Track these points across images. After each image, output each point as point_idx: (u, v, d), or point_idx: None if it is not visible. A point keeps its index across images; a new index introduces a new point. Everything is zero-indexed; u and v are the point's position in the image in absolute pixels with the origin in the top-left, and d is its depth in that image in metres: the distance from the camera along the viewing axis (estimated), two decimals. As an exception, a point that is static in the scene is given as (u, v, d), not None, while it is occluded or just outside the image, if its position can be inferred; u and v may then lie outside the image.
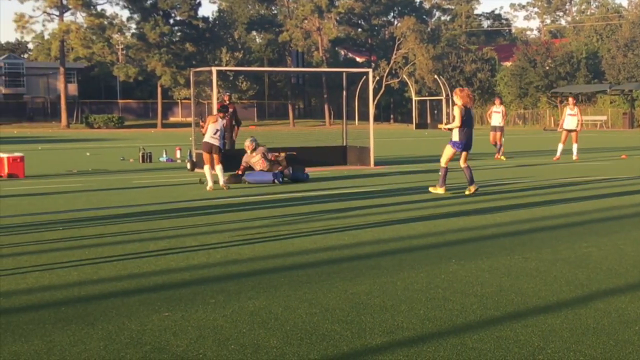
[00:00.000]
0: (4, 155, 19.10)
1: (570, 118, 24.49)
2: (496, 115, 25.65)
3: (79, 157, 27.13)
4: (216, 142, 15.95)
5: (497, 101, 26.52)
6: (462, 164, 14.57)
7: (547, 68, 78.97)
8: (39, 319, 5.93)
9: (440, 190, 14.28)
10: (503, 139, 25.34)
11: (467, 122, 14.19)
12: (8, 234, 10.00)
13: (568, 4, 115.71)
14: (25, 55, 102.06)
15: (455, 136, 14.27)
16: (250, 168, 17.63)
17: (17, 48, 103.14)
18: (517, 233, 9.92)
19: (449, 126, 14.63)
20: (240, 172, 17.45)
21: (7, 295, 6.65)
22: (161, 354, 5.09)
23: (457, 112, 14.20)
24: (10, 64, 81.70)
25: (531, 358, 4.96)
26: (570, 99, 25.25)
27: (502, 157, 24.38)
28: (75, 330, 5.60)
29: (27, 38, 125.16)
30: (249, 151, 17.83)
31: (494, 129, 25.41)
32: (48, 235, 9.85)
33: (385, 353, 5.07)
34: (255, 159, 17.66)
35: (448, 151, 14.47)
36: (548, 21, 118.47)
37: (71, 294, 6.71)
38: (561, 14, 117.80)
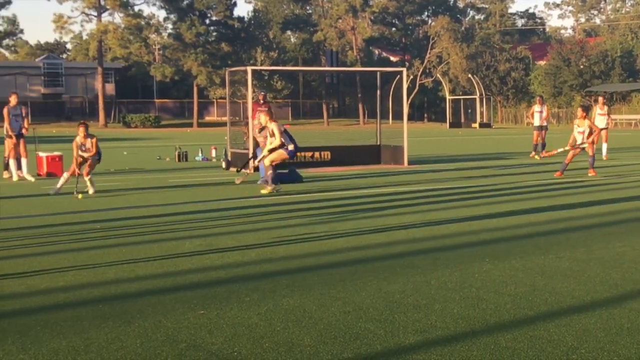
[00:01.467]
0: (43, 155, 19.35)
1: (601, 117, 24.37)
2: (538, 115, 25.60)
3: (116, 156, 27.37)
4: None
5: (538, 101, 26.42)
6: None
7: (582, 67, 78.14)
8: (77, 316, 6.02)
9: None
10: (540, 138, 25.27)
11: None
12: (47, 234, 10.15)
13: (603, 2, 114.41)
14: (64, 56, 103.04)
15: None
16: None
17: (55, 48, 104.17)
18: (551, 232, 9.87)
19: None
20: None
21: (46, 293, 6.76)
22: (196, 352, 5.15)
23: None
24: (49, 64, 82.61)
25: (565, 358, 4.95)
26: (600, 99, 25.11)
27: (537, 157, 24.26)
28: (112, 328, 5.68)
29: (66, 38, 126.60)
30: (258, 127, 17.67)
31: (538, 128, 25.39)
32: (85, 234, 9.99)
33: (418, 352, 5.09)
34: (262, 134, 17.26)
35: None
36: (582, 20, 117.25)
37: (108, 291, 6.81)
38: (596, 12, 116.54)
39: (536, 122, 25.63)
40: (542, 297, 6.44)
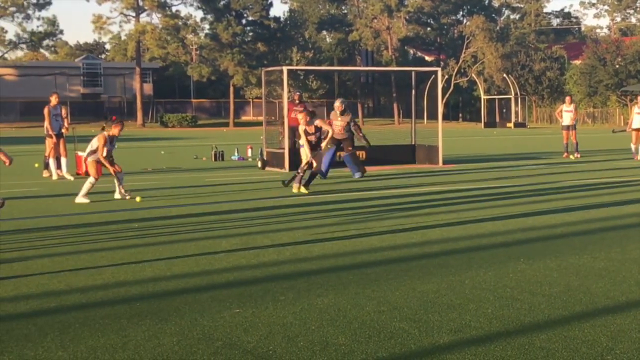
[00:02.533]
0: (82, 154, 19.55)
1: (638, 117, 24.05)
2: (567, 114, 25.34)
3: (154, 156, 27.63)
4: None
5: (567, 100, 26.16)
6: None
7: (617, 66, 77.18)
8: (115, 314, 6.10)
9: None
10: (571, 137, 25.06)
11: None
12: (85, 233, 10.29)
13: (639, 1, 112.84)
14: (103, 56, 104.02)
15: None
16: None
17: (94, 49, 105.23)
18: (587, 232, 9.82)
19: None
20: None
21: (84, 291, 6.86)
22: (232, 350, 5.20)
23: None
24: (88, 64, 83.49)
25: (599, 358, 4.93)
26: (639, 98, 24.80)
27: (571, 156, 24.07)
28: (149, 326, 5.75)
29: (105, 39, 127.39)
30: (338, 112, 17.73)
31: (567, 128, 25.15)
32: (123, 232, 10.11)
33: (452, 351, 5.10)
34: (339, 122, 17.54)
35: None
36: (618, 19, 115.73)
37: (145, 290, 6.90)
38: (632, 11, 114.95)
39: (565, 121, 25.38)
40: (577, 298, 6.42)
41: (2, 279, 7.28)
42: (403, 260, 8.06)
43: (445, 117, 77.02)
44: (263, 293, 6.70)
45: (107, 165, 13.80)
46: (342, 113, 17.72)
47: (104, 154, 13.79)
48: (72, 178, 18.04)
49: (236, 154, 25.68)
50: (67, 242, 9.35)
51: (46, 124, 18.30)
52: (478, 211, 11.91)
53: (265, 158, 21.27)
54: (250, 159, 25.01)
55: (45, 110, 18.33)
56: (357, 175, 17.67)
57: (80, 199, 13.55)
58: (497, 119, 76.37)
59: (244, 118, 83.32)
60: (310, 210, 12.28)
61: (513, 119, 72.25)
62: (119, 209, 12.58)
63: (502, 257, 8.13)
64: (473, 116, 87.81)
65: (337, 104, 17.85)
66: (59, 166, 18.39)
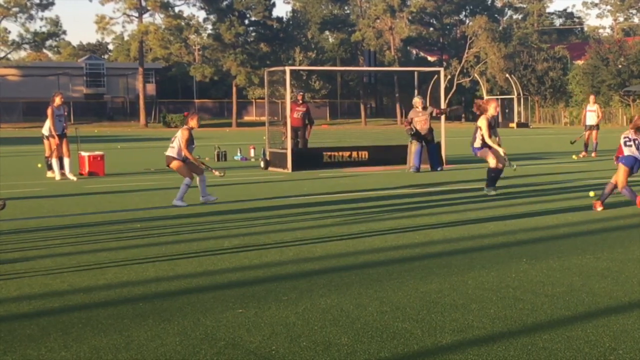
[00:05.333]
0: (85, 154, 19.59)
1: None
2: (591, 114, 25.40)
3: (156, 156, 27.64)
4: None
5: (591, 99, 26.14)
6: None
7: (620, 66, 77.15)
8: (118, 314, 6.11)
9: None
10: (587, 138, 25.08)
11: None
12: (88, 233, 10.30)
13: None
14: (106, 56, 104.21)
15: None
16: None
17: (97, 49, 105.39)
18: (589, 233, 9.82)
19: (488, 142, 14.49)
20: (406, 126, 19.97)
21: (87, 291, 6.87)
22: (235, 350, 5.21)
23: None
24: (91, 64, 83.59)
25: (602, 358, 4.94)
26: None
27: (574, 156, 24.05)
28: (152, 326, 5.76)
29: (108, 39, 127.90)
30: (419, 107, 19.56)
31: (589, 127, 25.19)
32: (126, 232, 10.12)
33: (455, 352, 5.11)
34: (420, 117, 19.39)
35: None
36: (621, 19, 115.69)
37: (148, 289, 6.90)
38: (634, 11, 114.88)
39: (589, 121, 25.45)
40: (580, 298, 6.42)
41: (5, 279, 7.29)
42: (405, 261, 8.06)
43: (448, 117, 77.03)
44: (266, 293, 6.71)
45: (193, 159, 13.15)
46: (424, 109, 19.73)
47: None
48: (75, 178, 18.06)
49: (239, 154, 25.70)
50: (69, 242, 9.36)
51: (50, 124, 18.26)
52: (480, 211, 11.91)
53: (267, 158, 21.28)
54: (253, 159, 25.03)
55: (49, 111, 18.30)
56: (440, 168, 19.95)
57: (178, 202, 12.86)
58: (500, 119, 76.30)
59: (246, 118, 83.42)
60: (312, 210, 12.29)
61: (516, 119, 72.26)
62: (121, 209, 12.59)
63: (505, 258, 8.13)
64: (475, 116, 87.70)
65: (417, 99, 19.88)
66: (61, 166, 18.40)
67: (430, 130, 19.93)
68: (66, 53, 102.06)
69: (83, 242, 9.42)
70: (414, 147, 19.73)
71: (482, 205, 12.73)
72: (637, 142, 11.38)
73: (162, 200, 13.75)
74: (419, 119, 19.47)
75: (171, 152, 13.06)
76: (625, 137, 11.54)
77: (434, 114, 19.93)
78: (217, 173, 13.63)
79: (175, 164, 13.06)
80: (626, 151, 11.48)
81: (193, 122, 13.13)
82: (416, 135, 19.63)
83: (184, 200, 12.86)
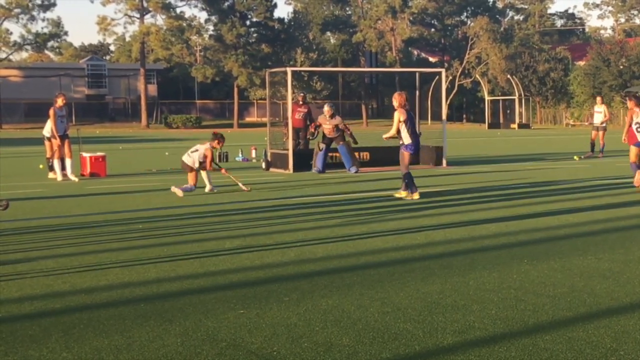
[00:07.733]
0: (87, 155, 19.60)
1: None
2: (597, 115, 25.46)
3: (158, 157, 27.64)
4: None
5: (598, 100, 26.16)
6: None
7: (621, 67, 77.08)
8: (119, 314, 6.12)
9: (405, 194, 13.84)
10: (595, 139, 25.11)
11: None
12: (90, 234, 10.31)
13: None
14: (107, 57, 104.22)
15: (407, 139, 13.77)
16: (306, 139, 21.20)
17: (99, 50, 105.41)
18: (590, 233, 9.82)
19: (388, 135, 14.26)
20: (312, 130, 20.60)
21: (88, 292, 6.88)
22: (236, 351, 5.22)
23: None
24: (92, 65, 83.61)
25: (603, 359, 4.94)
26: None
27: (575, 157, 24.05)
28: (153, 327, 5.77)
29: (109, 40, 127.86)
30: (327, 115, 19.66)
31: (596, 128, 25.23)
32: (128, 233, 10.13)
33: (457, 352, 5.11)
34: (327, 125, 19.63)
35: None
36: (622, 20, 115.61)
37: (150, 290, 6.91)
38: (636, 12, 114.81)
39: (595, 121, 25.52)
40: (581, 298, 6.42)
41: (6, 280, 7.30)
42: (407, 262, 8.07)
43: (450, 118, 77.07)
44: (267, 294, 6.71)
45: (216, 168, 15.38)
46: (332, 117, 19.74)
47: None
48: (76, 179, 18.07)
49: (240, 155, 25.70)
50: (71, 243, 9.37)
51: (51, 125, 18.25)
52: (482, 212, 11.91)
53: (269, 159, 21.29)
54: (254, 160, 25.03)
55: (51, 112, 18.28)
56: (353, 170, 19.44)
57: (177, 189, 14.20)
58: (501, 120, 76.35)
59: (248, 119, 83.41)
60: (313, 211, 12.29)
61: (517, 120, 72.21)
62: (123, 209, 12.59)
63: (506, 258, 8.14)
64: (477, 117, 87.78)
65: (326, 108, 19.96)
66: (63, 167, 18.40)
67: (340, 135, 19.70)
68: (68, 54, 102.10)
69: (85, 243, 9.42)
70: (319, 150, 19.89)
71: (483, 206, 12.74)
72: None
73: (163, 201, 13.76)
74: (326, 126, 19.72)
75: (188, 160, 14.90)
76: (636, 124, 14.12)
77: (340, 127, 19.65)
78: (245, 188, 15.15)
79: (189, 171, 14.81)
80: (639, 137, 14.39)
81: (216, 144, 15.21)
82: (324, 138, 19.94)
83: (182, 193, 14.14)
